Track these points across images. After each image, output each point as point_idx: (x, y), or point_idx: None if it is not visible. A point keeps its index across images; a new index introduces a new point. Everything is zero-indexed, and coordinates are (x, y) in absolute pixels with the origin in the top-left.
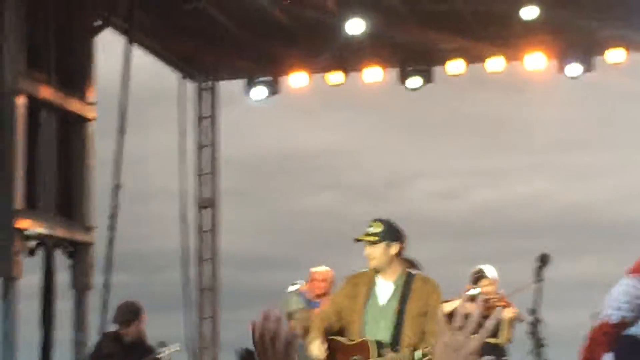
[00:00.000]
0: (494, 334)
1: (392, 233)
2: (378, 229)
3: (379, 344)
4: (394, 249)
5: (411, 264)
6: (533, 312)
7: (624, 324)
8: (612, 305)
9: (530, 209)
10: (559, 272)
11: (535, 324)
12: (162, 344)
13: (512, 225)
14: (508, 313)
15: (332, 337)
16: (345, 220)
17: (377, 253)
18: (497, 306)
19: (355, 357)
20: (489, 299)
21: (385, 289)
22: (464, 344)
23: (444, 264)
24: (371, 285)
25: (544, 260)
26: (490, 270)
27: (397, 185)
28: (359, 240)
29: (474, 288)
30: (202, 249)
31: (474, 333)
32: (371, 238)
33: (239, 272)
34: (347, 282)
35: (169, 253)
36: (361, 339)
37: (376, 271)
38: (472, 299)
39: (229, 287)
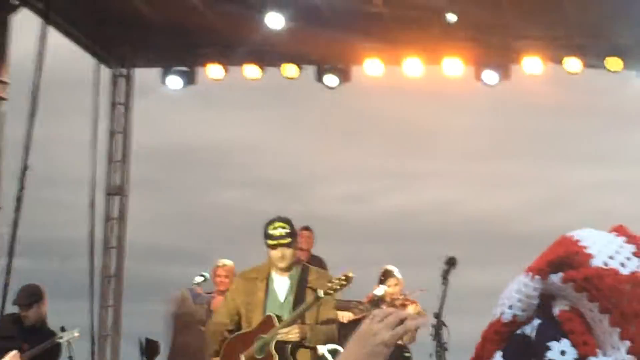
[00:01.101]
0: None
1: (294, 231)
2: (287, 229)
3: (279, 317)
4: (296, 246)
5: (319, 263)
6: (437, 315)
7: (515, 322)
8: (505, 304)
9: (439, 216)
10: (464, 280)
11: (438, 327)
12: (62, 329)
13: (421, 230)
14: (411, 310)
15: (234, 335)
16: (254, 216)
17: (289, 253)
18: (403, 304)
19: (261, 336)
20: (395, 298)
21: (281, 284)
22: (377, 332)
23: (352, 266)
24: (268, 281)
25: (450, 262)
26: (396, 272)
27: (309, 184)
28: (277, 246)
29: (380, 287)
30: (109, 237)
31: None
32: (286, 240)
33: (144, 262)
34: (242, 277)
35: (75, 240)
36: (264, 317)
37: (273, 267)
38: (378, 299)
39: (133, 278)
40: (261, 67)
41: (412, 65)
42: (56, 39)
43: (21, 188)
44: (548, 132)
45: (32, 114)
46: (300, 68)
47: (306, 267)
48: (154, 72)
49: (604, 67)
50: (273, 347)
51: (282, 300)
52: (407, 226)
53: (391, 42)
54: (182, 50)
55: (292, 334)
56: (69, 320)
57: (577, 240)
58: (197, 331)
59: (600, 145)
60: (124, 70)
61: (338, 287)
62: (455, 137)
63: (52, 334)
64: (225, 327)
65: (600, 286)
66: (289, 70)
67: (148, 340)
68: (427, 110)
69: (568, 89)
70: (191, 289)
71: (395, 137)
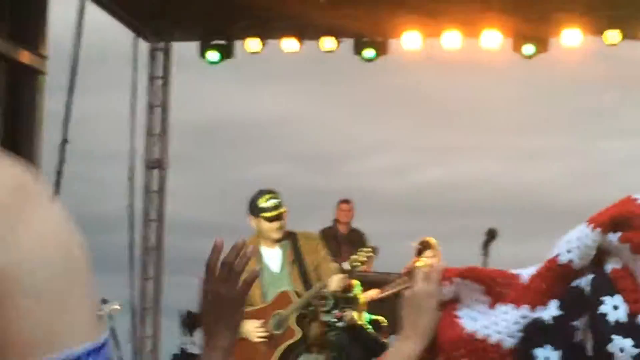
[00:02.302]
0: None
1: (282, 200)
2: (278, 198)
3: (297, 293)
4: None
5: (359, 235)
6: None
7: (569, 268)
8: (563, 247)
9: (478, 189)
10: (505, 253)
11: None
12: (104, 301)
13: (460, 204)
14: None
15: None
16: (293, 190)
17: (284, 224)
18: None
19: (277, 312)
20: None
21: (272, 255)
22: (430, 292)
23: (390, 240)
24: (258, 255)
25: (491, 234)
26: (434, 243)
27: (347, 158)
28: (275, 218)
29: (419, 260)
30: (149, 210)
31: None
32: (281, 210)
33: (183, 236)
34: None
35: (115, 214)
36: (279, 292)
37: (262, 240)
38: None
39: (173, 251)
40: (299, 41)
41: (451, 38)
42: (95, 13)
43: (61, 162)
44: (587, 105)
45: (71, 88)
46: (338, 41)
47: (292, 234)
48: (192, 46)
49: None
50: (294, 323)
51: (277, 271)
52: (446, 199)
53: (430, 14)
54: (220, 23)
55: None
56: (110, 294)
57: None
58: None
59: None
60: (162, 44)
61: (364, 258)
62: (493, 110)
63: None
64: None
65: None
66: (327, 43)
67: (189, 313)
68: (466, 83)
69: (607, 61)
70: None
71: (434, 111)
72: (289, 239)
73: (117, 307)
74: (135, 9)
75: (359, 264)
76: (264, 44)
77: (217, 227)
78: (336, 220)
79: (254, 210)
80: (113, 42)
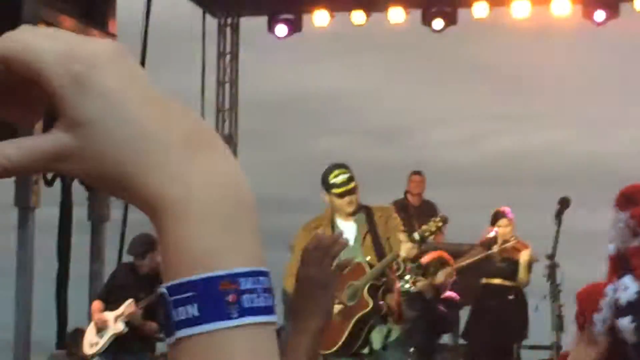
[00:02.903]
0: (512, 276)
1: (354, 175)
2: (348, 174)
3: (370, 264)
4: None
5: (431, 207)
6: (550, 256)
7: (619, 254)
8: (608, 240)
9: (550, 158)
10: (577, 222)
11: (552, 268)
12: None
13: (531, 173)
14: (524, 256)
15: None
16: (362, 163)
17: (355, 198)
18: (515, 247)
19: (351, 283)
20: (506, 240)
21: (347, 228)
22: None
23: (462, 211)
24: (333, 227)
25: (564, 202)
26: (507, 212)
27: (416, 130)
28: (346, 193)
29: (493, 229)
30: None
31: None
32: (352, 185)
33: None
34: (305, 229)
35: None
36: (355, 263)
37: (337, 214)
38: (490, 241)
39: None
40: (367, 13)
41: (520, 6)
42: None
43: None
44: None
45: (142, 65)
46: (406, 12)
47: (367, 207)
48: (260, 21)
49: None
50: (367, 293)
51: (351, 243)
52: (517, 169)
53: None
54: None
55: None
56: None
57: None
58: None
59: None
60: (230, 20)
61: (434, 228)
62: (565, 78)
63: None
64: None
65: None
66: (395, 14)
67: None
68: (536, 52)
69: None
70: None
71: (503, 80)
72: (364, 212)
73: None
74: None
75: (429, 233)
76: (332, 17)
77: (287, 202)
78: (407, 192)
79: (326, 186)
80: (182, 19)
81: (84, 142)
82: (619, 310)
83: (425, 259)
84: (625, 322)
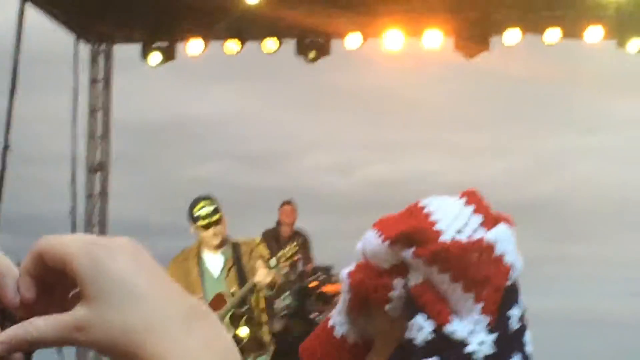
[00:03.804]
0: None
1: (219, 207)
2: (213, 205)
3: (232, 294)
4: (224, 222)
5: (303, 236)
6: None
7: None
8: (359, 250)
9: (421, 186)
10: None
11: None
12: None
13: (403, 201)
14: None
15: None
16: (236, 188)
17: (221, 229)
18: None
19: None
20: None
21: (214, 261)
22: None
23: (334, 239)
24: (199, 260)
25: None
26: None
27: (290, 156)
28: (210, 225)
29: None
30: (91, 214)
31: None
32: (216, 217)
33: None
34: (174, 262)
35: (58, 217)
36: (215, 294)
37: (205, 246)
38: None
39: None
40: (241, 42)
41: (393, 38)
42: (35, 15)
43: (3, 169)
44: (527, 101)
45: (12, 93)
46: (280, 42)
47: (234, 242)
48: (133, 48)
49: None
50: (229, 322)
51: (217, 277)
52: (389, 196)
53: (371, 14)
54: (162, 25)
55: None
56: None
57: (428, 215)
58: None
59: (580, 113)
60: (103, 46)
61: (290, 254)
62: (434, 108)
63: None
64: None
65: (449, 259)
66: (269, 44)
67: None
68: (406, 82)
69: (547, 59)
70: None
71: (375, 109)
72: (230, 246)
73: None
74: (76, 11)
75: (285, 259)
76: (206, 46)
77: (161, 228)
78: (279, 222)
79: (191, 218)
80: (54, 45)
81: (98, 313)
82: (417, 351)
83: (331, 289)
84: None
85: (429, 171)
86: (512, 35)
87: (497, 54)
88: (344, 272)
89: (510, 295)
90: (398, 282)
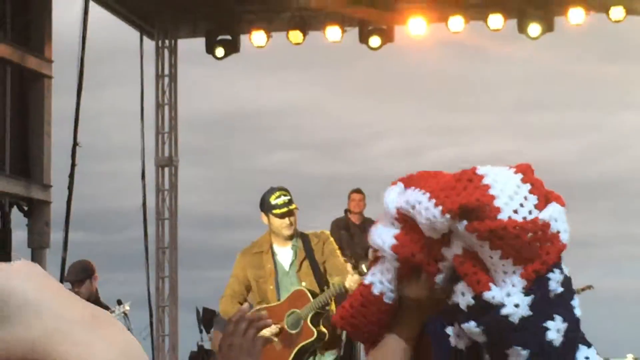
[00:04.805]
0: None
1: (293, 199)
2: (289, 196)
3: (311, 292)
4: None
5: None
6: None
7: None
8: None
9: None
10: None
11: None
12: (119, 302)
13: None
14: None
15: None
16: (304, 179)
17: (294, 220)
18: None
19: (293, 310)
20: None
21: (284, 254)
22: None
23: None
24: (272, 253)
25: None
26: None
27: (359, 144)
28: (286, 215)
29: None
30: (161, 209)
31: None
32: (293, 206)
33: (198, 230)
34: (245, 253)
35: (128, 212)
36: (294, 290)
37: (274, 238)
38: None
39: (187, 246)
40: (303, 32)
41: (455, 22)
42: (99, 13)
43: (72, 165)
44: (594, 80)
45: (79, 92)
46: (343, 30)
47: (304, 234)
48: (197, 42)
49: None
50: (310, 322)
51: (287, 270)
52: None
53: (433, 0)
54: (225, 18)
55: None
56: (128, 291)
57: (487, 187)
58: (252, 336)
59: None
60: (167, 42)
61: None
62: (500, 90)
63: (106, 308)
64: (241, 296)
65: (504, 237)
66: (332, 33)
67: (205, 310)
68: (473, 65)
69: (610, 38)
70: None
71: (442, 93)
72: (300, 238)
73: (127, 307)
74: (139, 7)
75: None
76: (269, 37)
77: (231, 219)
78: (348, 211)
79: (266, 207)
80: (119, 41)
81: (6, 333)
82: (461, 315)
83: None
84: (470, 326)
85: (498, 152)
86: (576, 15)
87: (561, 35)
88: (384, 239)
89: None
90: (447, 252)
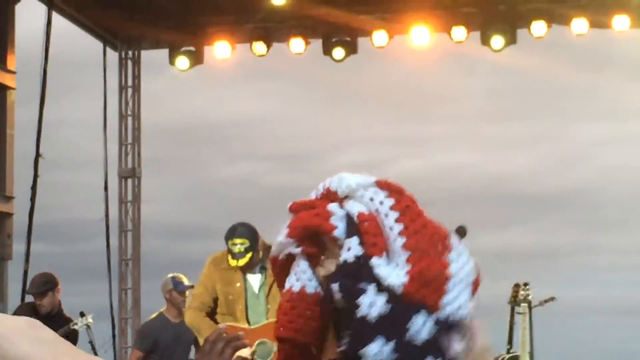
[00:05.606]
0: None
1: (254, 240)
2: (246, 244)
3: None
4: (258, 248)
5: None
6: None
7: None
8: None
9: (451, 180)
10: (480, 243)
11: None
12: (82, 314)
13: (433, 195)
14: None
15: (230, 324)
16: (265, 189)
17: (252, 263)
18: None
19: (261, 340)
20: None
21: (253, 278)
22: None
23: None
24: (242, 271)
25: (460, 233)
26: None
27: (320, 155)
28: (236, 266)
29: None
30: (124, 220)
31: None
32: (246, 258)
33: (161, 241)
34: (216, 265)
35: (91, 223)
36: (266, 322)
37: None
38: None
39: (150, 257)
40: (267, 44)
41: (419, 34)
42: (62, 24)
43: (35, 176)
44: (556, 93)
45: (42, 103)
46: (307, 42)
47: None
48: (161, 54)
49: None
50: None
51: (257, 292)
52: (420, 191)
53: (397, 11)
54: (188, 30)
55: None
56: (91, 303)
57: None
58: (229, 356)
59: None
60: (130, 53)
61: None
62: (463, 102)
63: (68, 320)
64: (208, 308)
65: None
66: (296, 45)
67: None
68: (433, 77)
69: (572, 50)
70: (174, 276)
71: (404, 105)
72: (267, 256)
73: (90, 320)
74: (102, 18)
75: None
76: (233, 48)
77: (194, 230)
78: None
79: (225, 242)
80: (82, 52)
81: None
82: (342, 272)
83: None
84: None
85: (458, 165)
86: (539, 27)
87: (523, 47)
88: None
89: None
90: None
